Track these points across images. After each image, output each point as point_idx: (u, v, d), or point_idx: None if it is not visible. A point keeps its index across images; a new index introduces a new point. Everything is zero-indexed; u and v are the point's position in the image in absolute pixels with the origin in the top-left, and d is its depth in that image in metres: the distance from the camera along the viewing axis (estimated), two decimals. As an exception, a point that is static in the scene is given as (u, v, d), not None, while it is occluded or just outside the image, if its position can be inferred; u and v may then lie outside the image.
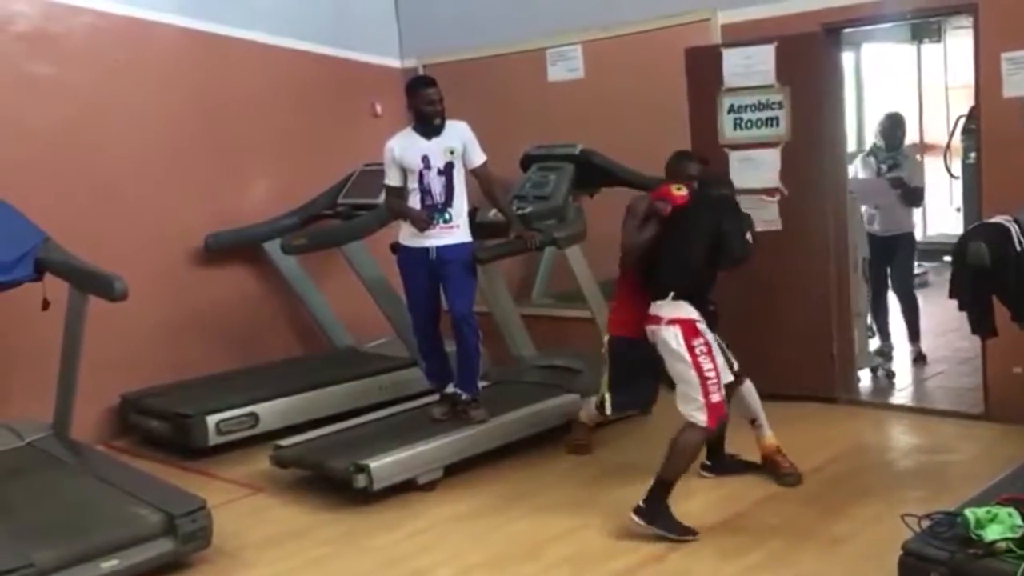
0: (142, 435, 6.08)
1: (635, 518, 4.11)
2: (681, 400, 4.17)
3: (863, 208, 6.43)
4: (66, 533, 4.09)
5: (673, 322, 4.16)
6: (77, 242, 5.09)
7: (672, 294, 4.20)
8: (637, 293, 4.47)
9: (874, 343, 6.52)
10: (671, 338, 4.16)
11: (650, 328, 4.26)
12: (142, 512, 4.24)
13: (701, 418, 4.11)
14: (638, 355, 4.47)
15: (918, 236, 7.38)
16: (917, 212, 7.09)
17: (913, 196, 6.60)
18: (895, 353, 6.60)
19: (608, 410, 4.83)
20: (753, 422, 4.71)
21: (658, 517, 4.10)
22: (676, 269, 4.28)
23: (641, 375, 4.64)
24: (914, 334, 6.60)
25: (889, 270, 6.57)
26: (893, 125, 6.69)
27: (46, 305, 4.90)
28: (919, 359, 6.55)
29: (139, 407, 6.07)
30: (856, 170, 6.70)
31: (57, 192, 5.85)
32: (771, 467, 4.67)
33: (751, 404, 4.68)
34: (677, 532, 4.09)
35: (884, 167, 6.60)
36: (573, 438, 5.29)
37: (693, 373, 4.11)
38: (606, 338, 4.80)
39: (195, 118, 6.61)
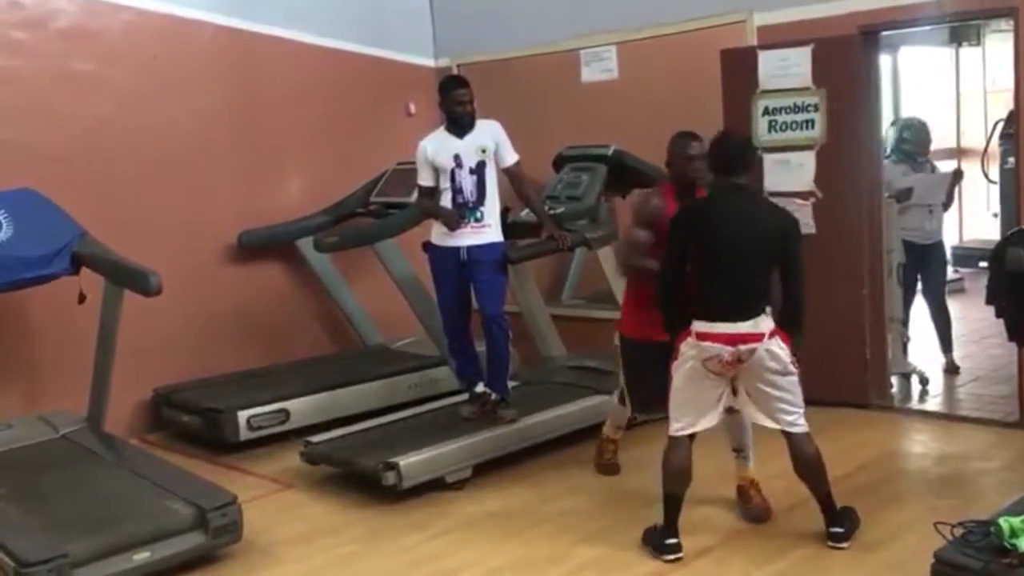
0: (174, 429, 6.13)
1: (841, 545, 3.94)
2: (782, 413, 3.91)
3: (908, 214, 6.33)
4: (99, 525, 4.13)
5: (775, 333, 3.85)
6: (112, 237, 5.16)
7: (761, 309, 3.86)
8: (644, 291, 4.26)
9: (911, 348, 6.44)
10: (778, 350, 3.84)
11: (745, 347, 3.81)
12: (174, 506, 4.28)
13: (805, 423, 3.96)
14: (650, 356, 4.25)
15: (951, 242, 7.37)
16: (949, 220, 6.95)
17: (951, 196, 6.57)
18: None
19: (628, 411, 4.75)
20: (739, 452, 4.43)
21: (853, 528, 4.02)
22: (761, 282, 3.91)
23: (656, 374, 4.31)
24: (947, 345, 6.47)
25: (921, 278, 6.43)
26: (923, 131, 6.56)
27: (82, 299, 4.97)
28: (951, 370, 6.41)
29: (171, 401, 6.12)
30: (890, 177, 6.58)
31: (93, 186, 5.92)
32: (743, 499, 4.40)
33: (744, 434, 4.40)
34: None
35: (939, 173, 6.55)
36: (601, 459, 5.03)
37: (796, 379, 3.91)
38: (617, 337, 4.61)
39: (231, 115, 6.66)
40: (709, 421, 3.98)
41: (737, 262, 3.85)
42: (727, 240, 3.86)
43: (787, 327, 3.89)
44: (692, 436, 3.99)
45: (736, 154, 3.95)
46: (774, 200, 4.63)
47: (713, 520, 4.17)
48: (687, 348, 3.90)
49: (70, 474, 4.78)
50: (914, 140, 6.53)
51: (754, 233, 3.87)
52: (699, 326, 3.85)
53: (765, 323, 3.84)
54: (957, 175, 6.43)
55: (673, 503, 4.00)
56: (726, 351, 3.81)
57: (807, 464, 3.97)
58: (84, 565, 3.88)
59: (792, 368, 3.88)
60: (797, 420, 3.94)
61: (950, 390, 6.20)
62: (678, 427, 3.98)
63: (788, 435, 3.96)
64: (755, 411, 3.97)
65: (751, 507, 4.36)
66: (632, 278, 4.54)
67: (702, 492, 4.29)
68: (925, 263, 6.41)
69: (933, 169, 6.60)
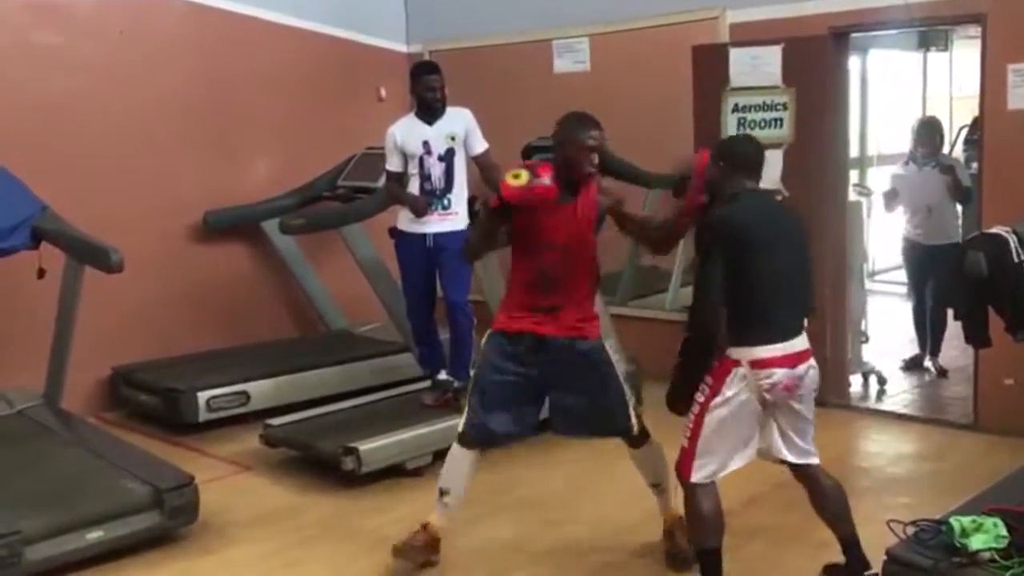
0: (132, 408, 6.08)
1: None
2: (807, 442, 3.50)
3: (905, 214, 6.30)
4: (53, 502, 4.10)
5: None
6: (76, 212, 5.09)
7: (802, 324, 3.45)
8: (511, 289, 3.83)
9: (867, 348, 6.51)
10: (817, 375, 3.46)
11: (803, 367, 3.37)
12: (129, 485, 4.25)
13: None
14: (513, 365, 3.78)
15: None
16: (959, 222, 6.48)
17: (965, 193, 6.13)
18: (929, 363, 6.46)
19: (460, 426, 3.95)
20: (656, 487, 3.95)
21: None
22: (804, 292, 3.52)
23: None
24: (934, 348, 6.42)
25: (929, 282, 6.30)
26: (932, 130, 6.43)
27: (41, 274, 4.90)
28: (942, 374, 6.34)
29: (130, 380, 6.07)
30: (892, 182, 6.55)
31: (56, 161, 5.84)
32: (668, 541, 3.94)
33: (660, 465, 3.90)
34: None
35: (928, 169, 6.26)
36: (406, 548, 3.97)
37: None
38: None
39: (198, 94, 6.59)
40: (740, 462, 3.45)
41: (791, 270, 3.40)
42: (778, 247, 3.37)
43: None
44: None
45: (761, 155, 3.53)
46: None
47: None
48: (735, 381, 3.33)
49: (25, 451, 4.72)
50: (916, 139, 6.42)
51: (794, 238, 3.47)
52: (756, 352, 3.30)
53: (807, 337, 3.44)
54: (946, 171, 6.15)
55: (713, 559, 3.47)
56: (788, 375, 3.32)
57: (837, 500, 3.55)
58: (37, 542, 3.84)
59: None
60: (812, 449, 3.53)
61: (908, 391, 6.27)
62: (706, 474, 3.40)
63: (806, 472, 3.54)
64: (779, 444, 3.47)
65: (677, 552, 3.88)
66: (512, 273, 3.88)
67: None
68: (930, 264, 6.25)
69: (936, 168, 6.26)
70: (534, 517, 4.44)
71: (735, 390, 3.33)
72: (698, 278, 3.39)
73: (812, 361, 3.42)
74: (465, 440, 3.85)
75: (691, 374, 3.43)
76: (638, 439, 3.88)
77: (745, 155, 3.50)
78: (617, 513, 4.40)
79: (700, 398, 3.39)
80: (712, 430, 3.37)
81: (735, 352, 3.33)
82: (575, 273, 3.73)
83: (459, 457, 3.87)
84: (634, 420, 3.82)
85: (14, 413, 5.21)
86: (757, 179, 3.49)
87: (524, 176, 3.50)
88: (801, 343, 3.39)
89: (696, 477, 3.41)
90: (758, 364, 3.30)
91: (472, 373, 3.95)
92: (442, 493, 3.89)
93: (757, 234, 3.34)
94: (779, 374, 3.31)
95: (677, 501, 3.73)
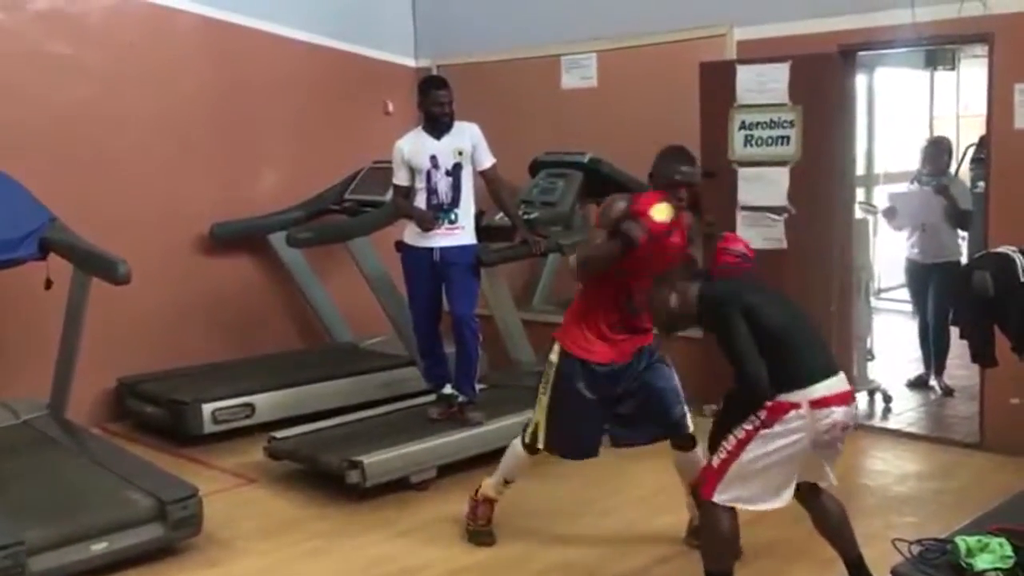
0: (137, 420, 6.08)
1: None
2: (831, 469, 3.53)
3: (906, 233, 6.32)
4: (57, 513, 4.10)
5: None
6: (83, 223, 5.11)
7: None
8: (598, 306, 3.89)
9: (873, 366, 6.50)
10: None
11: (849, 407, 3.39)
12: (133, 496, 4.25)
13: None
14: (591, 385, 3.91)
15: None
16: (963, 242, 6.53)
17: (960, 216, 6.21)
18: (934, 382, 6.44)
19: (530, 453, 4.12)
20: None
21: None
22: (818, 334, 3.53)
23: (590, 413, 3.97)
24: (939, 367, 6.41)
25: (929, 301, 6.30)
26: (940, 150, 6.49)
27: (49, 285, 4.91)
28: (948, 393, 6.33)
29: (135, 392, 6.08)
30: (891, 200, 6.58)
31: (66, 172, 5.87)
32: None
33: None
34: None
35: (927, 189, 6.31)
36: (474, 523, 4.34)
37: None
38: (556, 352, 4.01)
39: (207, 106, 6.62)
40: (770, 505, 3.42)
41: (796, 315, 3.45)
42: (768, 299, 3.45)
43: None
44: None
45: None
46: (746, 214, 4.65)
47: (669, 531, 4.17)
48: (793, 420, 3.28)
49: (30, 461, 4.73)
50: (924, 157, 6.48)
51: (773, 292, 3.56)
52: (814, 391, 3.28)
53: None
54: (940, 191, 6.20)
55: None
56: (845, 413, 3.32)
57: (839, 521, 3.58)
58: (41, 553, 3.84)
59: None
60: (833, 474, 3.55)
61: (914, 410, 6.26)
62: (731, 497, 3.38)
63: (812, 494, 3.56)
64: (811, 474, 3.49)
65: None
66: (590, 292, 3.95)
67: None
68: (928, 283, 6.30)
69: (939, 188, 6.28)
70: (541, 532, 4.42)
71: (791, 427, 3.28)
72: (731, 347, 3.34)
73: (852, 404, 3.44)
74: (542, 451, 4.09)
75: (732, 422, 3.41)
76: (689, 440, 4.01)
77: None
78: (624, 528, 4.40)
79: (748, 426, 3.34)
80: (752, 459, 3.33)
81: (790, 396, 3.28)
82: None
83: (524, 457, 4.17)
84: (688, 416, 3.98)
85: (19, 423, 5.22)
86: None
87: (668, 210, 3.55)
88: (845, 380, 3.41)
89: (719, 499, 3.39)
90: (818, 404, 3.28)
91: (549, 395, 4.01)
92: (507, 482, 4.23)
93: (747, 293, 3.42)
94: (838, 412, 3.30)
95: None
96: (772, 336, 3.33)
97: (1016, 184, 5.12)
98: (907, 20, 5.26)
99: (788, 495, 3.42)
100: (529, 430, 4.09)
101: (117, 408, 6.20)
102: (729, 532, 3.43)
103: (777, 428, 3.29)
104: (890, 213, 6.52)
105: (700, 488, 3.47)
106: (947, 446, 5.50)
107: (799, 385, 3.28)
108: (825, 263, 5.73)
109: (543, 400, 4.02)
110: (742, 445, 3.34)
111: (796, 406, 3.27)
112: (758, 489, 3.37)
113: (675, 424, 3.99)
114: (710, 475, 3.43)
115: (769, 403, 3.29)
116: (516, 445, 4.17)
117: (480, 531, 4.30)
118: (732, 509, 3.41)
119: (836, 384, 3.34)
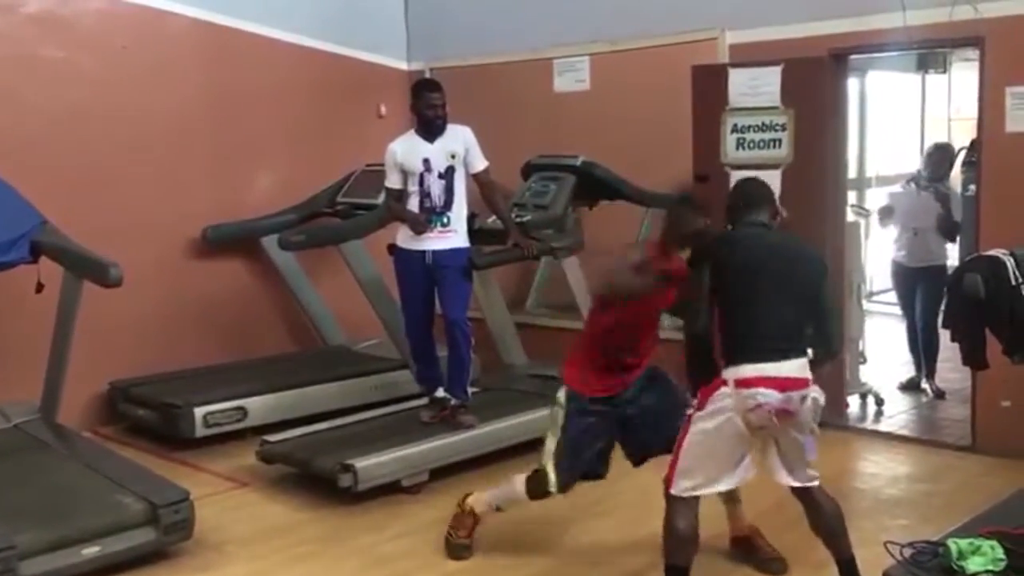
0: (129, 423, 6.07)
1: None
2: (804, 467, 3.52)
3: (896, 234, 6.35)
4: (48, 517, 4.08)
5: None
6: (75, 226, 5.09)
7: (803, 350, 3.47)
8: (601, 345, 3.88)
9: (865, 369, 6.51)
10: (820, 398, 3.44)
11: (796, 394, 3.35)
12: (125, 500, 4.23)
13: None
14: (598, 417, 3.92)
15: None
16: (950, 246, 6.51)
17: (952, 227, 6.28)
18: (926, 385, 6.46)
19: (552, 487, 3.97)
20: (729, 496, 3.97)
21: None
22: (800, 319, 3.50)
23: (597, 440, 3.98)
24: (929, 371, 6.44)
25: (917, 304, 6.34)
26: (943, 156, 6.54)
27: (40, 288, 4.89)
28: (940, 396, 6.35)
29: (127, 395, 6.06)
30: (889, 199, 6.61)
31: (58, 175, 5.85)
32: (750, 549, 4.08)
33: None
34: None
35: (925, 193, 6.36)
36: (455, 536, 4.24)
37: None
38: (563, 394, 3.96)
39: (200, 109, 6.61)
40: (728, 483, 3.51)
41: (776, 291, 3.44)
42: (764, 274, 3.46)
43: (816, 367, 3.51)
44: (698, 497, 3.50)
45: (757, 192, 3.71)
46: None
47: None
48: (720, 399, 3.39)
49: (21, 465, 4.71)
50: (926, 161, 6.54)
51: (796, 269, 3.53)
52: (742, 371, 3.35)
53: (807, 366, 3.44)
54: (941, 199, 6.24)
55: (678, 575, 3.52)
56: (774, 399, 3.31)
57: (834, 519, 3.57)
58: (32, 557, 3.83)
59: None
60: (814, 472, 3.55)
61: (906, 412, 6.27)
62: (688, 486, 3.45)
63: (805, 491, 3.56)
64: (779, 467, 3.50)
65: (764, 555, 4.01)
66: (596, 329, 3.92)
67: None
68: (915, 286, 6.36)
69: (940, 196, 6.33)
70: (537, 534, 4.41)
71: (719, 406, 3.39)
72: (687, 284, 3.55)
73: (810, 390, 3.40)
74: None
75: (695, 381, 3.57)
76: None
77: (749, 194, 3.71)
78: (618, 533, 4.40)
79: (688, 411, 3.52)
80: (694, 443, 3.44)
81: (725, 372, 3.41)
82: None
83: (524, 501, 4.11)
84: None
85: (10, 427, 5.20)
86: (760, 214, 3.62)
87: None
88: (793, 368, 3.39)
89: (677, 490, 3.47)
90: (742, 383, 3.36)
91: (560, 436, 3.97)
92: (498, 509, 4.20)
93: (741, 257, 3.49)
94: (764, 395, 3.31)
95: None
96: (732, 306, 3.46)
97: (1007, 187, 5.14)
98: (899, 24, 5.28)
99: (744, 473, 3.49)
100: (539, 478, 3.98)
101: (109, 412, 6.18)
102: (686, 529, 3.48)
103: (709, 408, 3.41)
104: (886, 212, 6.53)
105: (665, 482, 3.54)
106: (939, 449, 5.51)
107: (731, 363, 3.39)
108: (817, 266, 5.72)
109: (550, 444, 3.96)
110: (685, 431, 3.48)
111: (724, 383, 3.39)
112: (710, 472, 3.46)
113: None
114: (669, 470, 3.52)
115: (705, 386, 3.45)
116: (518, 487, 4.06)
117: (459, 544, 4.19)
118: (691, 504, 3.47)
119: (772, 369, 3.35)
